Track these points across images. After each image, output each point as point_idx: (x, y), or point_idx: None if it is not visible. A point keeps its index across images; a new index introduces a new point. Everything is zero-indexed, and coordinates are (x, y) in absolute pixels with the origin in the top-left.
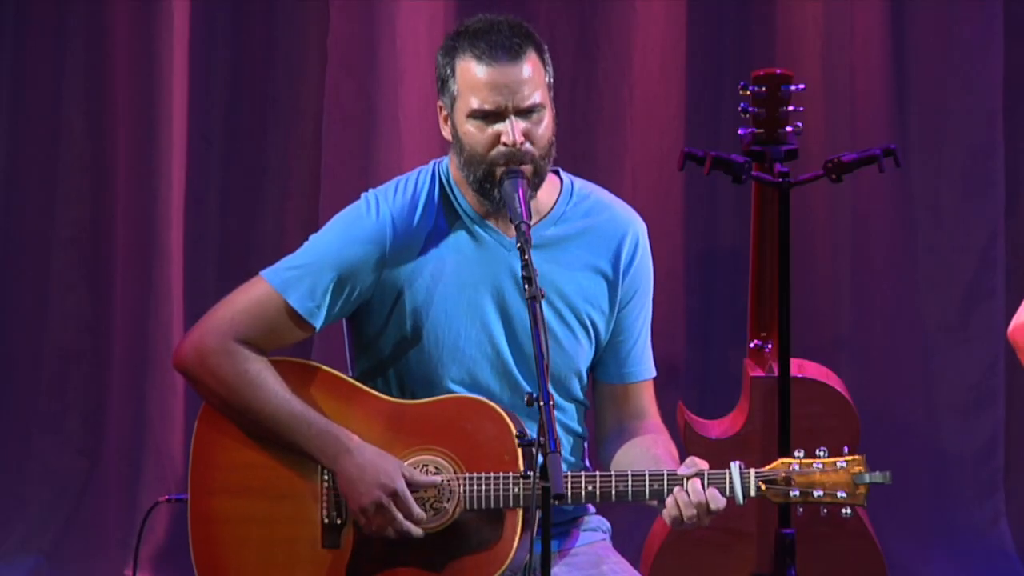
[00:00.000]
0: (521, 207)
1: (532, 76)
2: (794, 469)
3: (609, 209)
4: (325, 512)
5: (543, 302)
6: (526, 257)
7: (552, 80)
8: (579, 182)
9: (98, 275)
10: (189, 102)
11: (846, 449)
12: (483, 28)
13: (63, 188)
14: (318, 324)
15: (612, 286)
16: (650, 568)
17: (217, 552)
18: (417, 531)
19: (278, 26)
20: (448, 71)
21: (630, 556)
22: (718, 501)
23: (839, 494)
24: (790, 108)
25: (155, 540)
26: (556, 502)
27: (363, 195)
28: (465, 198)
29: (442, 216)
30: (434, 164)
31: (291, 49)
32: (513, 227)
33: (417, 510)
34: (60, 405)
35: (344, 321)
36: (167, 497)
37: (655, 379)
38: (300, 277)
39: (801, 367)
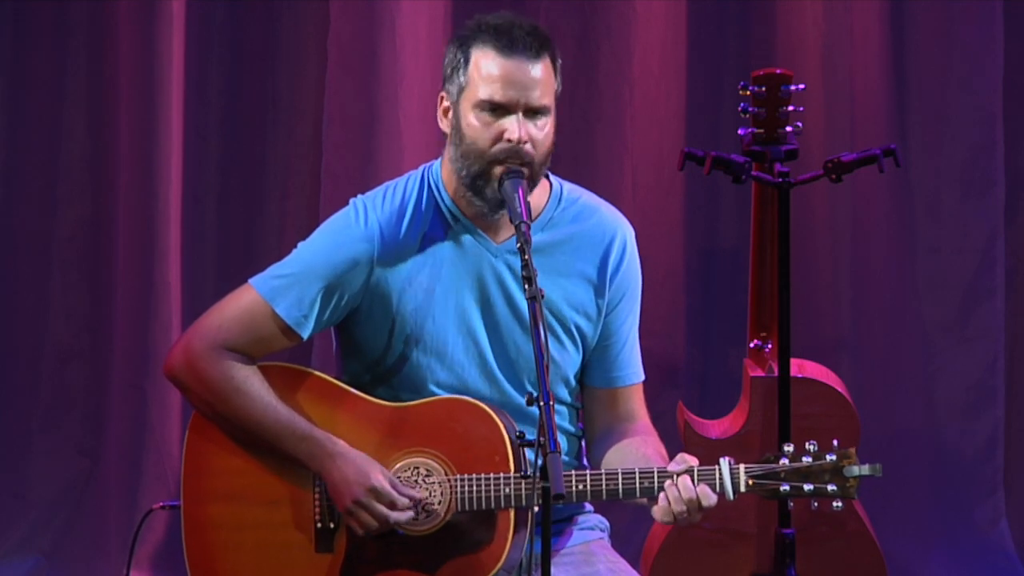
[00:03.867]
0: (521, 207)
1: (545, 78)
2: (784, 464)
3: (597, 213)
4: (318, 517)
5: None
6: (526, 257)
7: (560, 90)
8: (568, 186)
9: (98, 274)
10: (189, 101)
11: (836, 442)
12: (505, 24)
13: (63, 187)
14: (306, 334)
15: (599, 291)
16: (650, 568)
17: (211, 558)
18: (406, 517)
19: (278, 26)
20: (460, 60)
21: (630, 556)
22: (709, 498)
23: (829, 488)
24: (790, 108)
25: (154, 542)
26: (556, 503)
27: (351, 201)
28: (453, 202)
29: (430, 222)
30: (423, 169)
31: (291, 49)
32: (501, 231)
33: (401, 500)
34: (60, 405)
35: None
36: (160, 504)
37: (652, 381)
38: (288, 286)
39: (801, 367)
